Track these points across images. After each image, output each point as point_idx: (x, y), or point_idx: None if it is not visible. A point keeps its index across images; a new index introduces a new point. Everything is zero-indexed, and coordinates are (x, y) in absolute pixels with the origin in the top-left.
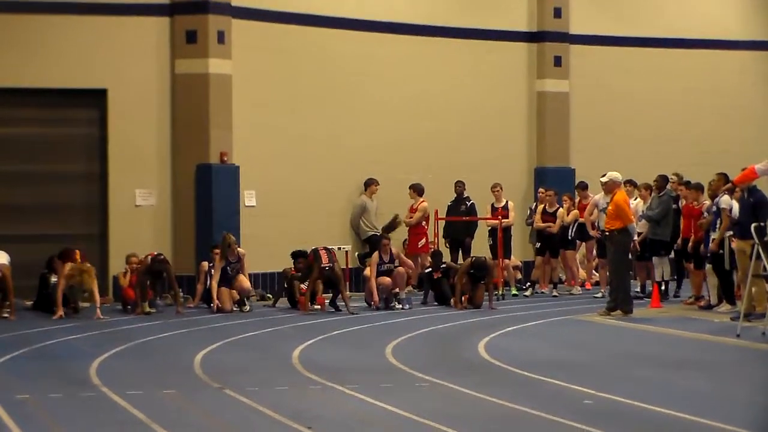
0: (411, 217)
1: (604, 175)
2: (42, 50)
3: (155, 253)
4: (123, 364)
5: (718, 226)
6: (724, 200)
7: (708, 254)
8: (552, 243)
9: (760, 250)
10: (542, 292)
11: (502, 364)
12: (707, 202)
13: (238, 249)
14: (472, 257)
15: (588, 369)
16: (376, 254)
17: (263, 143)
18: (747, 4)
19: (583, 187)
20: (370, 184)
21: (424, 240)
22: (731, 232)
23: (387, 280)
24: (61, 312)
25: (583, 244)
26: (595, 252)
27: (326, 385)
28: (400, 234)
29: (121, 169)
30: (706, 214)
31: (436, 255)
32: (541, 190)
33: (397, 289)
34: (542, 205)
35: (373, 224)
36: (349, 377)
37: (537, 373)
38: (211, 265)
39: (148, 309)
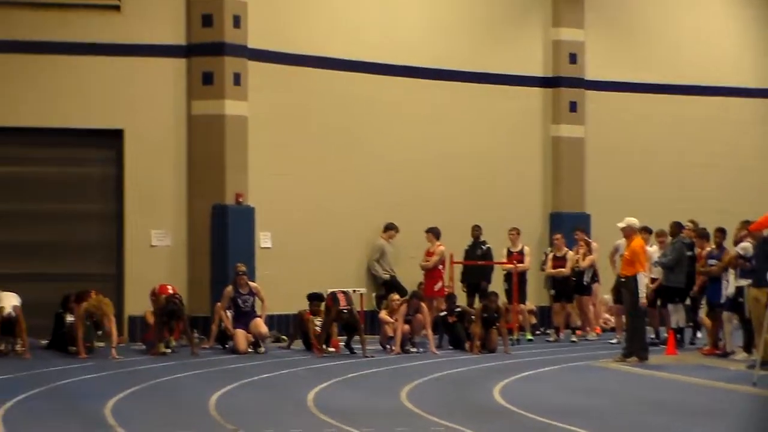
0: (428, 261)
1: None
2: (60, 90)
3: (170, 290)
4: (138, 404)
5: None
6: (743, 246)
7: (724, 301)
8: (566, 287)
9: None
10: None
11: (517, 409)
12: (708, 249)
13: (252, 283)
14: (483, 300)
15: (603, 415)
16: (404, 307)
17: (279, 184)
18: (763, 52)
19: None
20: (389, 228)
21: (440, 283)
22: (750, 281)
23: (406, 327)
24: (83, 353)
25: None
26: (606, 296)
27: (341, 428)
28: (416, 277)
29: (137, 209)
30: (711, 261)
31: (450, 298)
32: (556, 236)
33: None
34: (552, 251)
35: (390, 268)
36: (364, 421)
37: (552, 419)
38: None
39: (163, 349)
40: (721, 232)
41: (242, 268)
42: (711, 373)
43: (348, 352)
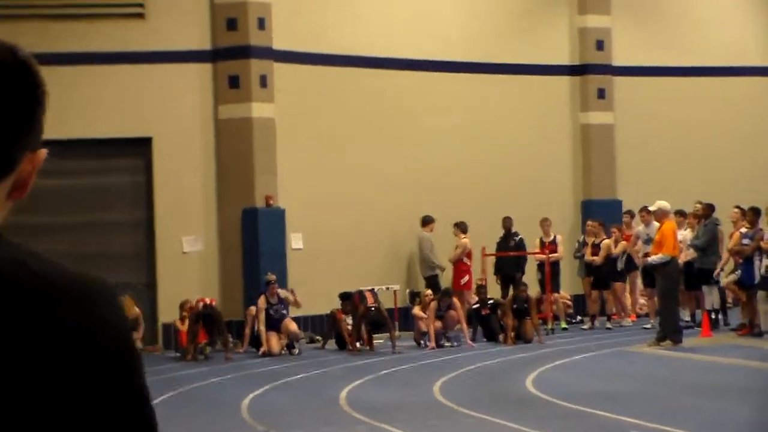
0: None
1: (652, 205)
2: (87, 100)
3: (206, 300)
4: (170, 409)
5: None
6: None
7: (758, 281)
8: (598, 274)
9: None
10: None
11: (549, 397)
12: (744, 230)
13: (281, 291)
14: (514, 292)
15: (637, 399)
16: (434, 303)
17: (308, 185)
18: None
19: (632, 215)
20: (428, 221)
21: (466, 277)
22: None
23: (438, 323)
24: None
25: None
26: (639, 282)
27: (373, 425)
28: (446, 272)
29: (167, 216)
30: (746, 241)
31: (481, 290)
32: (588, 222)
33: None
34: (591, 238)
35: (434, 262)
36: (396, 416)
37: (585, 406)
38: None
39: (198, 355)
40: (755, 212)
41: (272, 277)
42: (746, 353)
43: (383, 349)
